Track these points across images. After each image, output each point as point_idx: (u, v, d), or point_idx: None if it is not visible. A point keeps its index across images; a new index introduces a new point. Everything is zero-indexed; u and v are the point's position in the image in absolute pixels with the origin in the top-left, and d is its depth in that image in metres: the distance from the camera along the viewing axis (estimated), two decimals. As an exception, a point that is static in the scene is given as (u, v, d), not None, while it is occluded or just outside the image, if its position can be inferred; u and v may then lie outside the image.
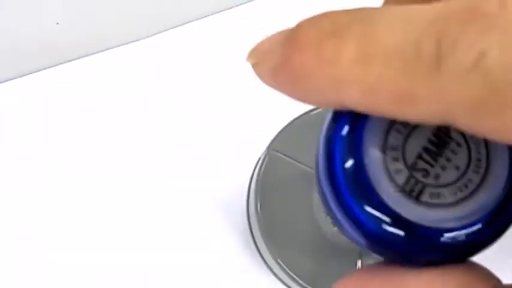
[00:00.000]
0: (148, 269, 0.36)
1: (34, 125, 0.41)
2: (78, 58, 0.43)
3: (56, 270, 0.36)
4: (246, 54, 0.15)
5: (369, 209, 0.15)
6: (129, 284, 0.36)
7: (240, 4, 0.45)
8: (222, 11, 0.45)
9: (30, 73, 0.43)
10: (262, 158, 0.33)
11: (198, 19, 0.45)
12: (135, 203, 0.38)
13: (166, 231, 0.36)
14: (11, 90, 0.42)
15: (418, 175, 0.16)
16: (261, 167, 0.33)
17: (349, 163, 0.15)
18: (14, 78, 0.43)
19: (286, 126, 0.34)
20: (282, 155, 0.33)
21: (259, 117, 0.38)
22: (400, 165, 0.16)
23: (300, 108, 0.35)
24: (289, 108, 0.33)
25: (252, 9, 0.43)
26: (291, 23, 0.13)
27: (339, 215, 0.16)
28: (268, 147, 0.34)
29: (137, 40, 0.44)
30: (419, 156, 0.16)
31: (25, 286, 0.36)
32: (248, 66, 0.15)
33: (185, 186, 0.38)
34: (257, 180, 0.33)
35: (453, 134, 0.16)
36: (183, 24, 0.45)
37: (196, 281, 0.35)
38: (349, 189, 0.15)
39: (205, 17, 0.45)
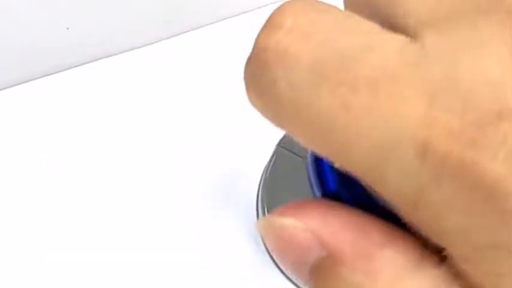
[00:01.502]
0: (154, 268, 0.35)
1: (44, 127, 0.41)
2: (88, 62, 0.44)
3: (57, 270, 0.36)
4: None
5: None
6: (137, 283, 0.35)
7: (252, 10, 0.46)
8: (233, 16, 0.46)
9: (41, 77, 0.43)
10: (271, 156, 0.33)
11: (207, 24, 0.45)
12: (143, 204, 0.38)
13: (177, 232, 0.36)
14: (22, 94, 0.42)
15: None
16: (269, 164, 0.33)
17: None
18: (25, 81, 0.43)
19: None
20: (289, 153, 0.33)
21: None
22: None
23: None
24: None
25: (263, 14, 0.44)
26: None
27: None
28: (278, 145, 0.34)
29: (147, 45, 0.44)
30: None
31: (25, 286, 0.36)
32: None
33: (197, 187, 0.38)
34: (266, 177, 0.33)
35: None
36: (193, 29, 0.45)
37: (205, 280, 0.35)
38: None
39: (214, 22, 0.45)
